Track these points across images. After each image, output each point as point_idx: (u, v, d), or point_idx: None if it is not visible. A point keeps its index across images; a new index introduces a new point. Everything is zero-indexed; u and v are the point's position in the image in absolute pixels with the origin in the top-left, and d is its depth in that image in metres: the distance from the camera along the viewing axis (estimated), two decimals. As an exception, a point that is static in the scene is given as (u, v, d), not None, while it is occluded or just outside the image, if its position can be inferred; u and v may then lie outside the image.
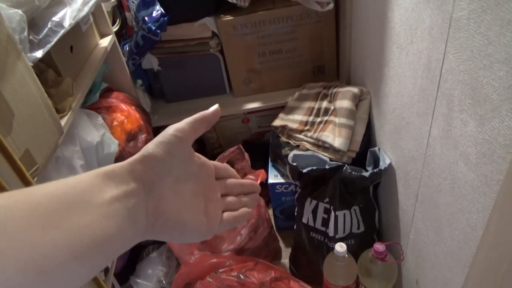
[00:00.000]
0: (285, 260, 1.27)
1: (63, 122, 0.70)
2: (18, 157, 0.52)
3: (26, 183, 0.43)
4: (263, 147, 1.44)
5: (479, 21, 0.52)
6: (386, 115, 0.97)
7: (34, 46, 0.67)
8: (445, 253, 0.72)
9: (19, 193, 0.24)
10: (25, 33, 0.60)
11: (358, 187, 1.02)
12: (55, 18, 0.72)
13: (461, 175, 0.62)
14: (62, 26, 0.72)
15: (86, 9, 0.81)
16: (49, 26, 0.70)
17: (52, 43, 0.69)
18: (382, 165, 0.96)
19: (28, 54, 0.64)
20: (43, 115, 0.63)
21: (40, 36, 0.67)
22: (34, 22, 0.70)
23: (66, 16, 0.74)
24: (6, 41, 0.55)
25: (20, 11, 0.58)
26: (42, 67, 0.77)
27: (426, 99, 0.72)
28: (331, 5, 1.18)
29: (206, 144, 1.61)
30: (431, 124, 0.71)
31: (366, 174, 0.96)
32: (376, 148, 1.02)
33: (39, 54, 0.66)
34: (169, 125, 0.35)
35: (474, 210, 0.60)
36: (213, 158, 1.33)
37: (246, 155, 1.21)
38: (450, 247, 0.69)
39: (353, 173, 0.98)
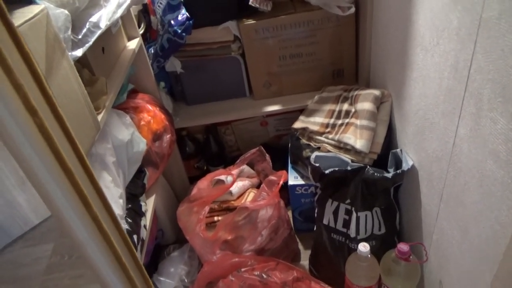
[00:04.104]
0: (304, 262, 1.28)
1: (98, 118, 0.73)
2: (63, 149, 0.54)
3: (85, 168, 0.45)
4: (281, 150, 1.46)
5: (510, 21, 0.53)
6: (409, 117, 0.98)
7: (74, 45, 0.69)
8: (472, 252, 0.73)
9: None
10: (69, 32, 0.63)
11: (380, 189, 1.03)
12: (92, 19, 0.75)
13: (490, 173, 0.63)
14: (98, 27, 0.75)
15: (119, 12, 0.84)
16: (87, 26, 0.73)
17: (90, 42, 0.72)
18: (405, 167, 0.96)
19: (69, 53, 0.67)
20: (84, 111, 0.65)
21: (80, 36, 0.70)
22: (73, 23, 0.73)
23: (102, 18, 0.77)
24: (53, 39, 0.58)
25: (66, 11, 0.61)
26: (78, 67, 0.80)
27: (453, 99, 0.73)
28: (353, 9, 1.20)
29: (225, 147, 1.63)
30: (458, 123, 0.72)
31: (389, 175, 0.97)
32: (398, 150, 1.03)
33: (79, 53, 0.68)
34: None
35: (504, 207, 0.60)
36: (232, 160, 1.35)
37: (267, 156, 1.22)
38: (478, 245, 0.70)
39: (375, 174, 0.99)
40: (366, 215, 1.03)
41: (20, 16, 0.54)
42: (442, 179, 0.82)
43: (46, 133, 0.34)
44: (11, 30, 0.32)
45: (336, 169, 1.03)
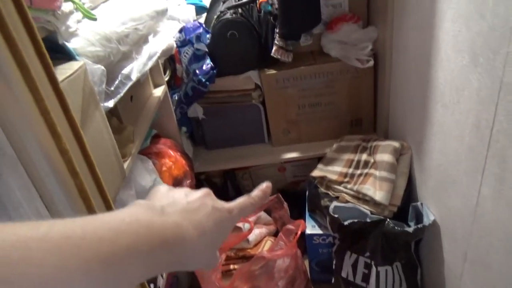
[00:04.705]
0: (320, 315, 1.23)
1: (124, 166, 0.75)
2: (91, 199, 0.56)
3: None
4: (298, 196, 1.45)
5: (533, 87, 0.54)
6: (430, 171, 0.97)
7: (106, 97, 0.73)
8: (500, 318, 0.69)
9: (90, 228, 0.25)
10: (103, 86, 0.66)
11: (400, 243, 1.00)
12: (124, 72, 0.79)
13: (516, 237, 0.62)
14: (130, 79, 0.79)
15: (150, 64, 0.88)
16: (119, 78, 0.77)
17: (122, 94, 0.76)
18: (426, 221, 0.95)
19: (102, 104, 0.70)
20: (111, 160, 0.67)
21: (112, 88, 0.74)
22: (107, 75, 0.77)
23: (134, 70, 0.81)
24: (89, 92, 0.61)
25: (102, 67, 0.65)
26: (107, 115, 0.83)
27: (475, 158, 0.73)
28: (371, 63, 1.24)
29: (242, 192, 1.63)
30: (481, 182, 0.71)
31: (410, 229, 0.95)
32: (419, 203, 1.02)
33: (110, 104, 0.72)
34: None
35: (534, 274, 0.58)
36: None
37: (285, 204, 1.22)
38: (506, 312, 0.67)
39: (396, 228, 0.97)
40: (386, 270, 1.00)
41: (61, 73, 0.58)
42: (465, 237, 0.80)
43: (85, 194, 0.35)
44: (61, 98, 0.34)
45: (355, 220, 1.02)
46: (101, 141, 0.65)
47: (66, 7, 0.58)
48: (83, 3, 0.65)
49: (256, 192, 0.40)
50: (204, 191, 0.36)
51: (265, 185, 0.41)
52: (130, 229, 0.26)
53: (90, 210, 0.36)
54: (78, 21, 0.65)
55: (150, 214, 0.30)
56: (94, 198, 0.37)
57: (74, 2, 0.60)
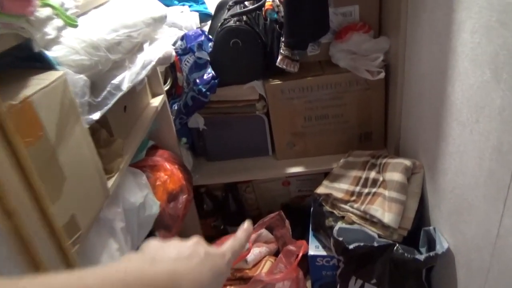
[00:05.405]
0: None
1: (109, 183, 0.70)
2: (63, 224, 0.50)
3: (65, 255, 0.40)
4: (302, 212, 1.38)
5: None
6: (444, 193, 0.90)
7: (91, 108, 0.68)
8: None
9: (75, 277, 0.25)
10: (86, 97, 0.61)
11: (410, 270, 0.93)
12: (114, 81, 0.74)
13: (544, 277, 0.54)
14: (120, 89, 0.74)
15: (144, 73, 0.83)
16: (108, 89, 0.72)
17: (110, 105, 0.70)
18: (439, 249, 0.87)
19: (86, 116, 0.65)
20: (93, 178, 0.62)
21: (99, 99, 0.69)
22: (94, 85, 0.72)
23: (125, 79, 0.76)
24: (69, 105, 0.56)
25: (84, 77, 0.59)
26: (96, 127, 0.78)
27: (496, 183, 0.65)
28: (382, 74, 1.17)
29: (245, 205, 1.56)
30: (503, 212, 0.64)
31: (421, 257, 0.88)
32: (431, 228, 0.94)
33: (96, 116, 0.66)
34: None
35: None
36: (251, 219, 1.29)
37: (287, 222, 1.16)
38: None
39: (405, 254, 0.89)
40: (394, 299, 0.93)
41: (36, 84, 0.53)
42: (483, 271, 0.72)
43: (24, 237, 0.29)
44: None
45: (361, 244, 0.94)
46: (81, 157, 0.59)
47: (44, 12, 0.53)
48: (67, 9, 0.60)
49: (240, 233, 0.42)
50: (194, 239, 0.36)
51: (246, 225, 0.43)
52: (116, 277, 0.26)
53: (32, 256, 0.30)
54: (60, 28, 0.59)
55: (140, 263, 0.30)
56: (41, 241, 0.31)
57: (53, 8, 0.55)
